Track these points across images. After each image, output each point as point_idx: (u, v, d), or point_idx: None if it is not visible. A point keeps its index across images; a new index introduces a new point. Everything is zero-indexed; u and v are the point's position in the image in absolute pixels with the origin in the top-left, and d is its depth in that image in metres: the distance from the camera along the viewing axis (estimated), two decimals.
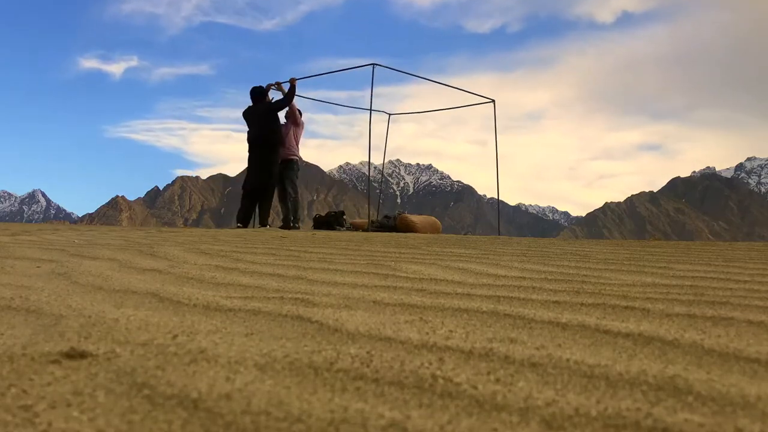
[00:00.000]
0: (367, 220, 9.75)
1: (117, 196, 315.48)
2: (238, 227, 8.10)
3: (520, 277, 2.41)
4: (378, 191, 11.13)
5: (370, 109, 10.30)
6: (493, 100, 11.34)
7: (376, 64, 9.64)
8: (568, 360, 1.07)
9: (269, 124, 8.51)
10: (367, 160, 10.73)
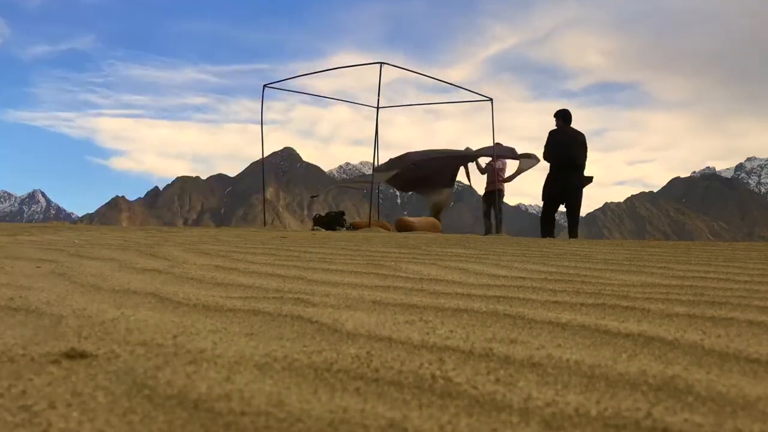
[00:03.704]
0: (367, 220, 9.77)
1: (117, 197, 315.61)
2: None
3: (520, 277, 2.41)
4: (369, 190, 11.24)
5: (377, 107, 10.31)
6: (491, 99, 11.33)
7: (384, 63, 9.84)
8: (568, 360, 1.07)
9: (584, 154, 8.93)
10: (370, 160, 10.73)
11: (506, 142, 11.44)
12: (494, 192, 11.28)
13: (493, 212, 11.24)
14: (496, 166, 11.21)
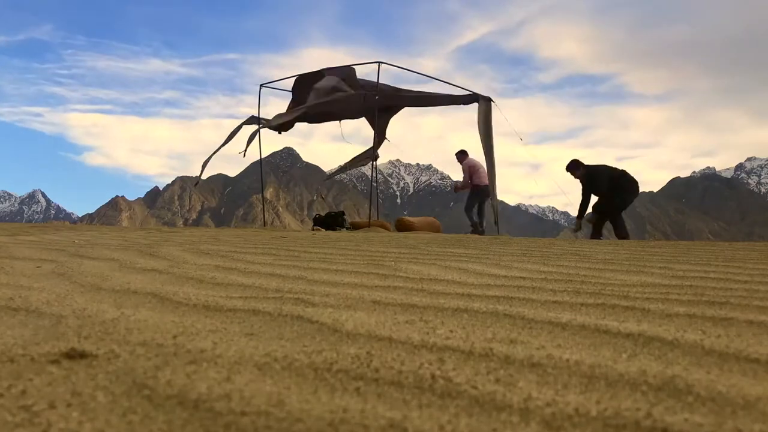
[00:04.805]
0: (367, 220, 9.78)
1: (117, 197, 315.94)
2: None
3: (520, 277, 2.41)
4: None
5: (376, 108, 10.33)
6: (489, 99, 11.29)
7: (382, 62, 9.85)
8: (568, 360, 1.07)
9: None
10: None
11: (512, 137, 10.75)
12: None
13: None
14: None
